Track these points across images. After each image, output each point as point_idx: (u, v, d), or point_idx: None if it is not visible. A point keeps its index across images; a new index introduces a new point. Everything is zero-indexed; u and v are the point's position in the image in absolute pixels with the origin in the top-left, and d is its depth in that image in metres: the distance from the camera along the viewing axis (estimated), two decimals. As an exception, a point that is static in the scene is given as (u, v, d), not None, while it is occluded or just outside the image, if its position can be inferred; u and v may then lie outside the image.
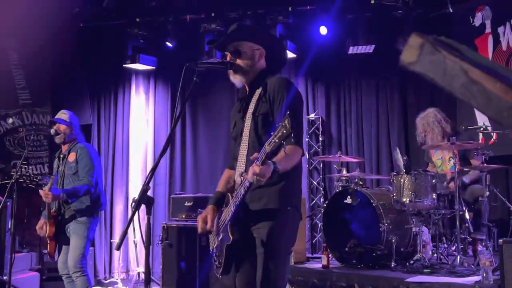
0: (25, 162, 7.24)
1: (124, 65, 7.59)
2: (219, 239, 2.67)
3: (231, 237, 2.56)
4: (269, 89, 2.69)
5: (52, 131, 4.89)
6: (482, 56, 0.84)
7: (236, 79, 2.80)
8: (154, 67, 7.71)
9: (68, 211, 4.72)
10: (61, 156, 4.91)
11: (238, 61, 2.76)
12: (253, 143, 2.67)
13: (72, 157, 4.80)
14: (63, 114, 4.95)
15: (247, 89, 2.84)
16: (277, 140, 2.25)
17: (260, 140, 2.63)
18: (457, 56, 0.71)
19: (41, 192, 4.53)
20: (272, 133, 2.28)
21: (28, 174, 7.23)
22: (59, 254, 4.81)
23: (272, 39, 3.05)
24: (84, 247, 4.67)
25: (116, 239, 7.49)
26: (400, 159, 5.13)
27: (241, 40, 2.80)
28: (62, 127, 4.87)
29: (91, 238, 4.80)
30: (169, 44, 7.48)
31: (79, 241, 4.66)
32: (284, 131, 2.23)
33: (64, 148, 4.92)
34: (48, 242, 4.68)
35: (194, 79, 2.61)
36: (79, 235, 4.67)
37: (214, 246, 2.75)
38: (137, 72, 7.95)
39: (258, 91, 2.74)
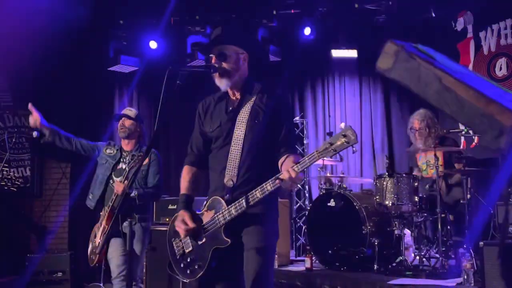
0: (7, 165, 7.16)
1: (108, 69, 7.54)
2: (200, 243, 2.67)
3: (228, 240, 2.58)
4: (271, 102, 2.73)
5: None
6: (458, 64, 0.86)
7: (222, 83, 2.79)
8: (137, 68, 7.66)
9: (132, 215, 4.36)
10: (125, 153, 4.60)
11: (224, 65, 2.76)
12: (248, 151, 2.66)
13: (145, 160, 4.45)
14: (129, 111, 4.72)
15: (236, 94, 2.83)
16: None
17: (257, 149, 2.66)
18: (431, 64, 0.72)
19: (117, 183, 4.30)
20: (316, 151, 2.36)
21: (9, 177, 7.15)
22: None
23: (256, 44, 3.06)
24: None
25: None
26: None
27: (226, 44, 2.80)
28: (128, 122, 4.62)
29: None
30: (152, 46, 7.45)
31: (143, 248, 4.51)
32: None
33: (127, 146, 4.64)
34: (98, 253, 4.35)
35: (178, 82, 2.60)
36: (143, 242, 4.51)
37: (188, 250, 2.74)
38: (120, 75, 7.90)
39: (252, 99, 2.76)
